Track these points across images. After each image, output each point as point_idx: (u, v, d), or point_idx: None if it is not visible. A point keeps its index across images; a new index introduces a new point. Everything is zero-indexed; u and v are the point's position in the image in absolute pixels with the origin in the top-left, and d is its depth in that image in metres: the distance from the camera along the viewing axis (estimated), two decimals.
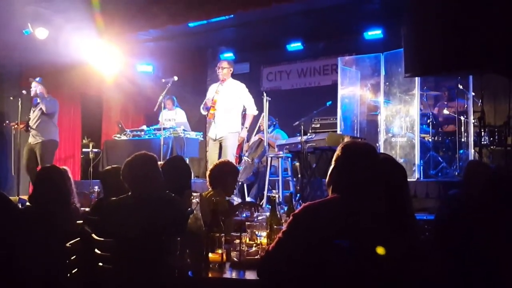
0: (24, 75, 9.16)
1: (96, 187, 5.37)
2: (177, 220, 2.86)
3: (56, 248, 3.21)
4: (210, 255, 2.67)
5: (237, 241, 2.76)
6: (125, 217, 2.97)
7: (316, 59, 10.54)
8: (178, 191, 3.22)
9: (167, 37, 9.81)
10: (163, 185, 3.16)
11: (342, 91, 8.34)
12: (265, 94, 7.16)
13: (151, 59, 10.86)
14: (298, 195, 6.76)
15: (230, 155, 6.87)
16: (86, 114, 10.61)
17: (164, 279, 2.72)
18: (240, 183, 7.20)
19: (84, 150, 9.96)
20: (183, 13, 7.94)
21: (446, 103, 8.21)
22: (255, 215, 3.36)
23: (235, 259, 2.69)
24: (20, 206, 4.68)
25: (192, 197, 2.87)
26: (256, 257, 2.66)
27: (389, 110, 7.89)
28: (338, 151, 2.36)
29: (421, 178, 7.12)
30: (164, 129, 7.90)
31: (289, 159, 7.14)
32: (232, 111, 7.17)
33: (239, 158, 8.03)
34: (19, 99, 8.20)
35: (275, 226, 2.84)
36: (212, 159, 7.04)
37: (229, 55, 10.69)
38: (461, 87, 7.51)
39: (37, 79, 7.99)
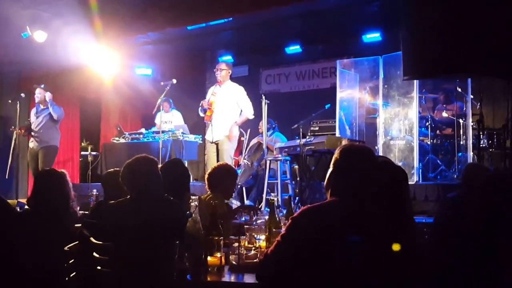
0: (22, 78, 9.17)
1: (95, 190, 5.37)
2: (175, 223, 2.86)
3: (54, 252, 3.20)
4: (209, 258, 2.66)
5: (236, 244, 2.75)
6: (123, 220, 2.96)
7: (315, 62, 10.55)
8: (176, 194, 3.22)
9: (166, 40, 9.81)
10: (162, 189, 3.15)
11: (341, 94, 8.34)
12: (264, 97, 7.14)
13: (150, 62, 10.86)
14: (297, 198, 6.75)
15: (227, 159, 6.84)
16: (84, 117, 10.62)
17: (163, 282, 2.72)
18: (239, 186, 7.20)
19: (82, 153, 9.96)
20: (181, 16, 7.94)
21: (444, 106, 8.20)
22: (254, 219, 3.36)
23: (234, 262, 2.68)
24: (18, 210, 4.67)
25: (190, 200, 2.87)
26: (255, 260, 2.66)
27: (388, 113, 7.89)
28: (336, 154, 2.36)
29: (420, 181, 7.12)
30: (163, 132, 7.90)
31: (288, 162, 7.14)
32: (229, 114, 7.14)
33: (238, 161, 8.04)
34: (18, 102, 8.21)
35: (274, 229, 2.83)
36: (211, 162, 7.03)
37: (228, 58, 10.69)
38: (459, 90, 7.51)
39: (42, 86, 8.06)
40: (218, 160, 6.91)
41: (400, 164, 7.10)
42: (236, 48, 10.77)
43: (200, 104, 7.24)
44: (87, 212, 4.56)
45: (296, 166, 7.34)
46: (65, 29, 8.16)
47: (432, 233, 3.33)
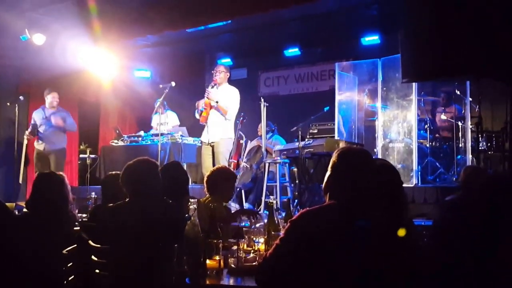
0: (21, 81, 9.16)
1: (93, 193, 5.35)
2: (174, 226, 2.85)
3: (53, 255, 3.20)
4: (207, 261, 2.66)
5: (235, 247, 2.75)
6: (122, 223, 2.96)
7: (314, 65, 10.55)
8: (175, 197, 3.21)
9: (165, 42, 9.82)
10: (162, 192, 3.15)
11: (340, 97, 8.34)
12: (262, 100, 7.12)
13: (149, 65, 10.86)
14: (296, 200, 6.75)
15: (222, 161, 6.79)
16: (83, 120, 10.58)
17: (161, 285, 2.71)
18: (238, 189, 7.18)
19: (81, 156, 9.94)
20: (180, 18, 7.93)
21: (443, 108, 8.21)
22: (253, 222, 3.36)
23: (233, 265, 2.68)
24: (16, 213, 4.66)
25: (189, 203, 2.87)
26: (253, 263, 2.65)
27: (387, 115, 7.89)
28: (333, 158, 2.36)
29: (419, 184, 7.11)
30: (161, 134, 7.89)
31: (287, 164, 7.14)
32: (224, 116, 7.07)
33: (237, 163, 8.03)
34: (16, 105, 8.20)
35: (273, 232, 2.83)
36: (206, 164, 7.00)
37: (227, 60, 10.70)
38: (458, 92, 7.52)
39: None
40: (213, 163, 6.88)
41: (399, 167, 7.12)
42: (235, 51, 10.78)
43: (196, 105, 7.18)
44: (85, 215, 4.56)
45: (295, 169, 7.34)
46: (64, 32, 8.16)
47: (431, 236, 3.34)
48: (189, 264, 2.68)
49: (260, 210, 6.54)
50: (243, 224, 3.50)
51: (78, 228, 3.58)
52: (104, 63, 9.12)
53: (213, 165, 6.78)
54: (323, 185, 2.39)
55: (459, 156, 7.46)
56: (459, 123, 7.54)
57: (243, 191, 7.54)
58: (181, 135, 8.24)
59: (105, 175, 7.35)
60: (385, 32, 9.02)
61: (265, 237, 2.88)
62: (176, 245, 2.79)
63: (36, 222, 3.50)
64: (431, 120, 7.93)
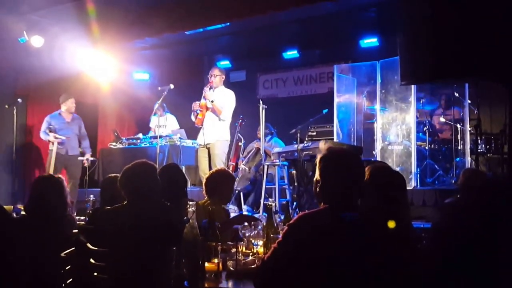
0: (19, 84, 9.14)
1: (92, 196, 5.33)
2: (173, 228, 2.84)
3: (51, 258, 3.19)
4: (206, 264, 2.65)
5: (234, 250, 2.74)
6: (120, 226, 2.95)
7: (313, 67, 10.55)
8: (173, 200, 3.20)
9: (164, 45, 9.80)
10: (160, 194, 3.14)
11: (339, 99, 8.35)
12: (261, 102, 7.12)
13: (147, 67, 10.85)
14: (295, 203, 6.75)
15: (218, 163, 6.78)
16: None
17: None
18: (236, 191, 7.17)
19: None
20: (179, 21, 7.94)
21: (442, 111, 8.22)
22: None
23: (232, 268, 2.67)
24: (14, 215, 4.65)
25: (188, 205, 2.86)
26: (252, 266, 2.64)
27: (386, 118, 7.90)
28: (317, 163, 2.34)
29: (418, 186, 7.12)
30: (160, 137, 7.88)
31: (286, 167, 7.13)
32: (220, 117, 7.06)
33: (236, 166, 8.02)
34: (15, 107, 8.19)
35: (271, 235, 2.83)
36: (202, 166, 6.99)
37: (226, 63, 10.69)
38: (457, 95, 7.53)
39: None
40: (210, 165, 6.87)
41: (398, 169, 7.11)
42: (233, 53, 10.77)
43: (192, 107, 7.18)
44: (84, 218, 4.54)
45: (294, 171, 7.33)
46: (62, 34, 8.16)
47: (430, 238, 3.32)
48: (187, 267, 2.67)
49: (259, 213, 6.53)
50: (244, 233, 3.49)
51: (77, 231, 3.57)
52: (103, 66, 9.11)
53: (209, 167, 6.77)
54: (313, 191, 2.37)
55: (458, 159, 7.47)
56: (458, 126, 7.54)
57: (242, 193, 7.54)
58: (179, 138, 8.22)
59: (103, 177, 7.38)
60: (384, 34, 9.03)
61: (264, 239, 2.87)
62: (174, 248, 2.78)
63: (34, 225, 3.49)
64: (430, 122, 7.93)
